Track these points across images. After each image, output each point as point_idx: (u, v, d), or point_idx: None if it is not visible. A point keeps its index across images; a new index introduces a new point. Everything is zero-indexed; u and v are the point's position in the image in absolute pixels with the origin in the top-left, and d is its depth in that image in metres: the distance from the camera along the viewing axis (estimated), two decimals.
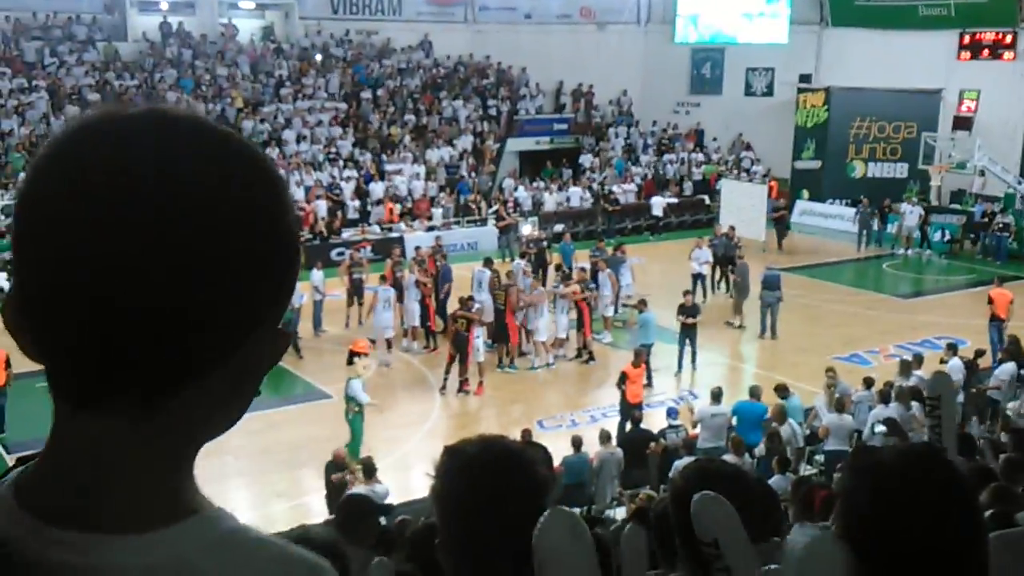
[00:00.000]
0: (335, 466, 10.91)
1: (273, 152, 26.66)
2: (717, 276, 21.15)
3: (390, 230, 25.16)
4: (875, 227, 26.64)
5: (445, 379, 15.58)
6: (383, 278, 17.56)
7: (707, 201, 29.36)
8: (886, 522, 1.53)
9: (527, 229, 23.17)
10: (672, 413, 12.58)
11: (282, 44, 31.41)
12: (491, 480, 1.57)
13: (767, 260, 21.35)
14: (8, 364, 13.29)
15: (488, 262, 18.27)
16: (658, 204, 28.24)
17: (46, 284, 0.75)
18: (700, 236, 22.08)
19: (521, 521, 1.56)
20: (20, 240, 0.77)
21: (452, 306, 16.74)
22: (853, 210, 27.85)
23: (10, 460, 9.91)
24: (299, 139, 27.58)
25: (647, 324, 16.15)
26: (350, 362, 13.40)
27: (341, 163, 27.16)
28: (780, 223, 25.99)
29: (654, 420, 13.13)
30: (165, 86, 27.72)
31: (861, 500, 1.58)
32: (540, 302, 16.69)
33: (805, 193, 29.86)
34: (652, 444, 11.59)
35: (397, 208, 25.70)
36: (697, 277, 20.17)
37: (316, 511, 10.92)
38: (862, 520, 1.56)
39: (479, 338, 15.49)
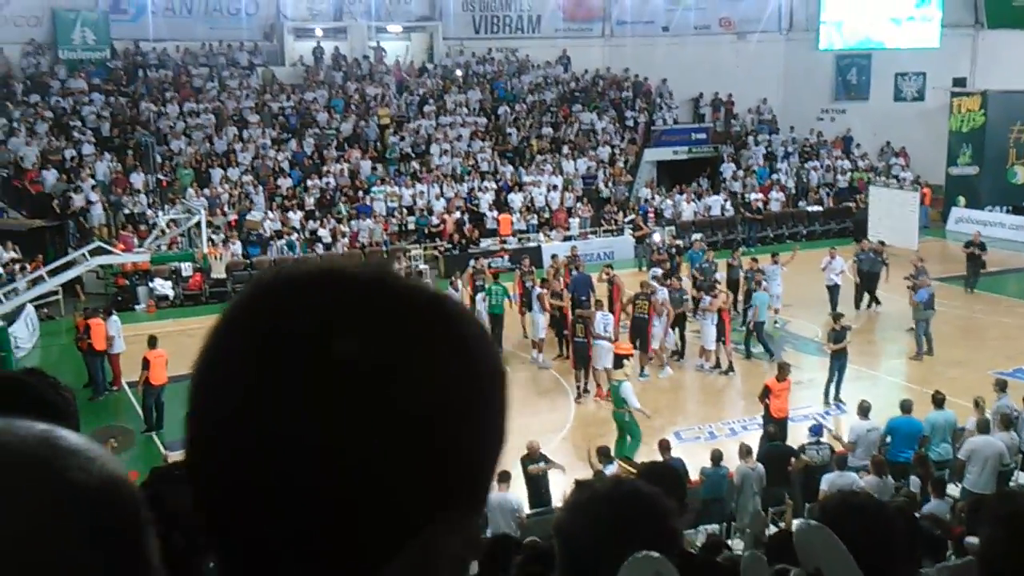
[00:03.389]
0: (530, 459, 11.06)
1: (417, 165, 27.72)
2: (863, 295, 19.73)
3: (528, 239, 25.59)
4: None
5: (577, 387, 15.68)
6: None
7: (853, 208, 28.33)
8: None
9: (658, 237, 23.01)
10: (816, 430, 11.92)
11: (426, 64, 32.57)
12: (614, 521, 1.48)
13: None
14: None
15: (609, 268, 18.27)
16: None
17: (205, 469, 0.73)
18: (832, 246, 21.38)
19: None
20: (189, 417, 0.74)
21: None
22: (1015, 218, 26.17)
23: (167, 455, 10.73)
24: (441, 153, 28.48)
25: (760, 303, 16.71)
26: (620, 365, 13.47)
27: (480, 175, 27.87)
28: (973, 261, 21.25)
29: (799, 434, 12.59)
30: (318, 106, 29.27)
31: (1000, 552, 1.47)
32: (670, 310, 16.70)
33: (961, 200, 28.36)
34: (793, 460, 11.25)
35: (514, 220, 26.04)
36: (832, 288, 19.21)
37: None
38: (1003, 573, 1.44)
39: (599, 343, 15.20)
